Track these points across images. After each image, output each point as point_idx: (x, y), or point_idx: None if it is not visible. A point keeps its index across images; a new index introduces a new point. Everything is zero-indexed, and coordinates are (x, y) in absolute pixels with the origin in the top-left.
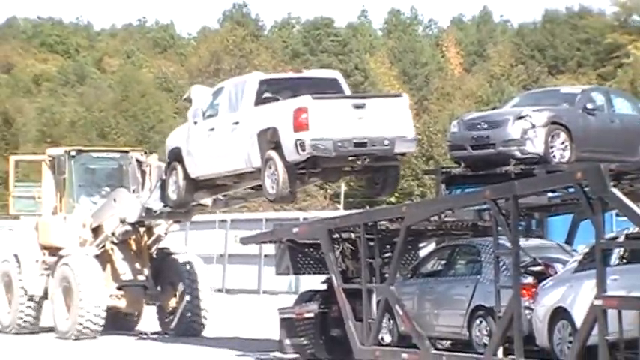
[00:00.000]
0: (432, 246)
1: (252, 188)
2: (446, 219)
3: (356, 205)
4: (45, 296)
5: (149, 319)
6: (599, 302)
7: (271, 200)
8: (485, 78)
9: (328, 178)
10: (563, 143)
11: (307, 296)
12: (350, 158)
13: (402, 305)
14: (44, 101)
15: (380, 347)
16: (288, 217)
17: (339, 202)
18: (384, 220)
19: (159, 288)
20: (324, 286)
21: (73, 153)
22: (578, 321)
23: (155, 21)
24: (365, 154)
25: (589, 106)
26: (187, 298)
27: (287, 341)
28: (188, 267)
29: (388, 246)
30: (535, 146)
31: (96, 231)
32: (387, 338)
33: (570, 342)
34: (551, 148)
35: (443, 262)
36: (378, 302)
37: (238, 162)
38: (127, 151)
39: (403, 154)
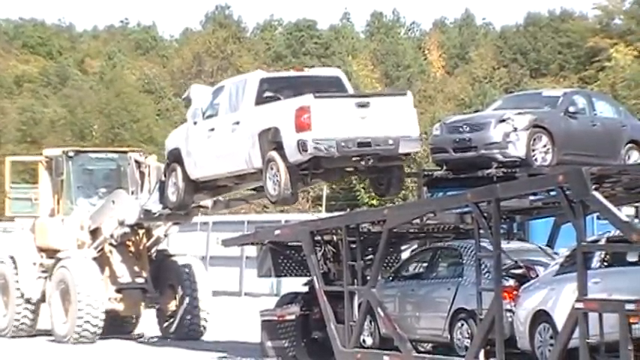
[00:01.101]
0: (414, 248)
1: (253, 189)
2: (428, 221)
3: (338, 207)
4: (42, 299)
5: (149, 322)
6: (580, 305)
7: (273, 202)
8: (468, 81)
9: (331, 178)
10: (545, 146)
11: (289, 299)
12: (353, 158)
13: (383, 308)
14: (25, 102)
15: (361, 350)
16: (270, 220)
17: (320, 205)
18: (365, 222)
19: (158, 291)
20: (306, 289)
21: (70, 153)
22: (560, 324)
23: (137, 22)
24: (369, 154)
25: (571, 109)
26: (187, 301)
27: (268, 344)
28: (187, 269)
29: (370, 248)
30: (517, 149)
31: (94, 233)
32: (369, 341)
33: (551, 345)
34: (533, 151)
35: (424, 264)
36: (359, 305)
37: (239, 163)
38: (125, 152)
39: (408, 154)
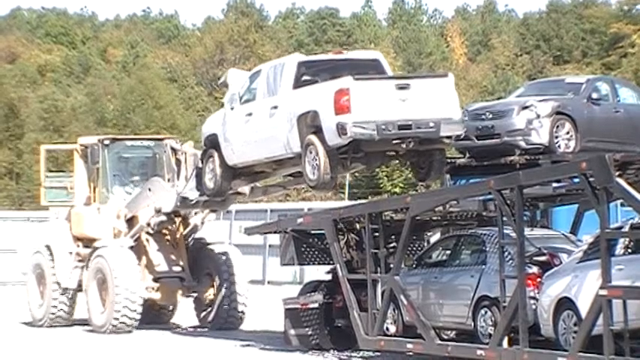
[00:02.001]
0: (436, 236)
1: (291, 175)
2: (451, 209)
3: (360, 195)
4: (79, 289)
5: (187, 311)
6: (604, 292)
7: (312, 187)
8: (490, 68)
9: (371, 162)
10: (568, 133)
11: (312, 287)
12: (394, 141)
13: (406, 295)
14: (46, 90)
15: (384, 337)
16: (292, 208)
17: (343, 193)
18: (388, 210)
19: (195, 280)
20: (329, 277)
21: (106, 141)
22: (583, 311)
23: (159, 11)
24: (409, 137)
25: (594, 95)
26: (224, 290)
27: (292, 332)
28: (225, 258)
29: (393, 236)
30: (540, 136)
31: (130, 222)
32: (392, 328)
33: (575, 332)
34: (556, 138)
35: (448, 252)
36: (382, 292)
37: (277, 148)
38: (161, 139)
39: (449, 137)
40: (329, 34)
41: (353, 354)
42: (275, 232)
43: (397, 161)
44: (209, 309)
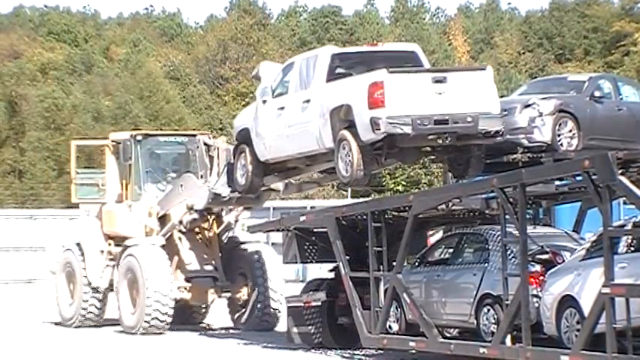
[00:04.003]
0: (439, 234)
1: (326, 171)
2: (453, 207)
3: (363, 193)
4: (110, 288)
5: (221, 312)
6: (606, 290)
7: (345, 184)
8: (493, 66)
9: (406, 158)
10: (570, 131)
11: (314, 285)
12: (430, 137)
13: (409, 294)
14: (50, 89)
15: (387, 335)
16: (295, 206)
17: (346, 191)
18: (391, 208)
19: (229, 280)
20: (332, 275)
21: (139, 137)
22: (586, 309)
23: (162, 9)
24: (446, 132)
25: (596, 93)
26: (258, 290)
27: (294, 330)
28: (258, 257)
29: (396, 234)
30: (542, 134)
31: (162, 220)
32: (395, 326)
33: (578, 330)
34: (559, 136)
35: (450, 250)
36: (385, 291)
37: (310, 143)
38: (194, 135)
39: (488, 132)
40: (331, 32)
41: (355, 352)
42: (278, 230)
43: (433, 157)
44: (243, 310)
